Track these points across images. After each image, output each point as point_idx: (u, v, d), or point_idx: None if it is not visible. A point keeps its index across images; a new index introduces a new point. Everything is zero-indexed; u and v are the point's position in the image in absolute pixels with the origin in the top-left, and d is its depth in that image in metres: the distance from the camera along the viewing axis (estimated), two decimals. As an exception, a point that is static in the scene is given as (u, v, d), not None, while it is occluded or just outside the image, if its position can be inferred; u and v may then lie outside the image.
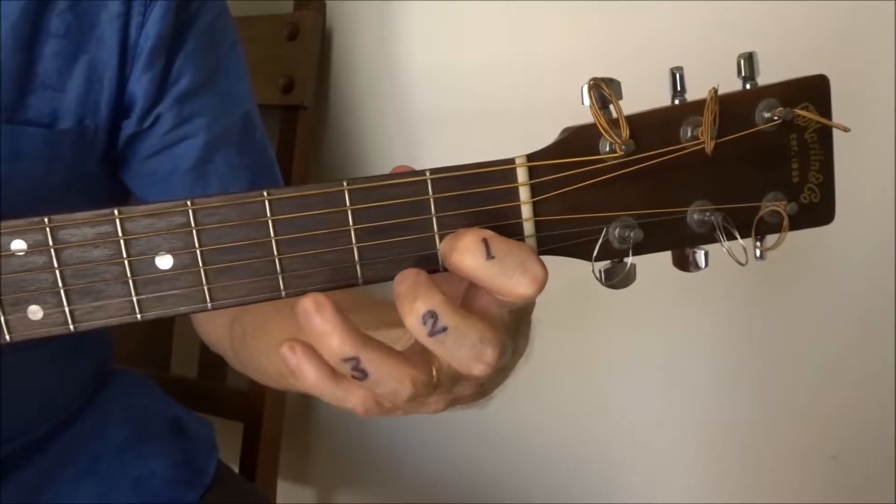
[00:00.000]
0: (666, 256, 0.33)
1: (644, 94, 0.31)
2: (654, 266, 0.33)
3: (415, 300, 0.27)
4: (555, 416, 0.76)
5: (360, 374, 0.27)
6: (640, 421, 0.72)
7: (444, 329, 0.26)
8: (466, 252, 0.27)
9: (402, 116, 0.74)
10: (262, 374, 0.47)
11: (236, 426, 0.73)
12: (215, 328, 0.52)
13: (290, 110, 0.72)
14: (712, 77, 0.30)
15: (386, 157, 0.75)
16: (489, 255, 0.27)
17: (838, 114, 0.32)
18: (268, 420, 0.72)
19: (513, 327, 0.29)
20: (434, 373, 0.28)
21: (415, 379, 0.27)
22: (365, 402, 0.28)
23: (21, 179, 0.41)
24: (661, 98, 0.31)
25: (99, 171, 0.47)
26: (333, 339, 0.26)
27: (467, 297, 0.29)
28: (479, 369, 0.27)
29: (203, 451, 0.57)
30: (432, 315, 0.26)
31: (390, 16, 0.72)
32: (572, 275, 0.34)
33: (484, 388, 0.31)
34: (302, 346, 0.27)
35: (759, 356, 0.67)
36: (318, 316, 0.26)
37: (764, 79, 0.31)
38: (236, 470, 0.69)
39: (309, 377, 0.28)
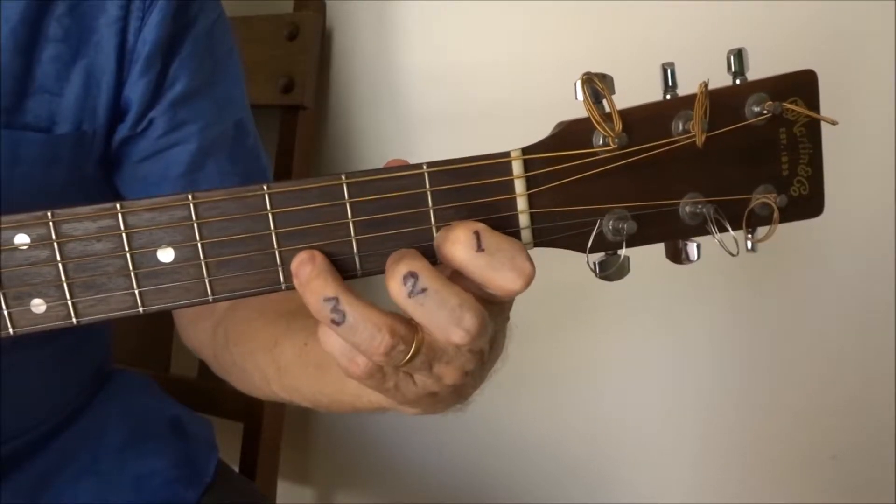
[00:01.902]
0: (662, 257, 0.33)
1: (637, 90, 0.31)
2: (654, 266, 0.33)
3: (398, 263, 0.27)
4: (555, 415, 0.76)
5: (339, 315, 0.27)
6: (639, 421, 0.72)
7: (424, 290, 0.27)
8: (457, 243, 0.28)
9: (402, 116, 0.74)
10: (244, 381, 0.47)
11: (236, 426, 0.73)
12: (198, 333, 0.52)
13: (290, 110, 0.72)
14: (703, 73, 0.31)
15: (385, 157, 0.75)
16: (479, 248, 0.28)
17: (837, 111, 0.32)
18: (268, 420, 0.72)
19: (494, 316, 0.29)
20: (415, 343, 0.28)
21: (393, 328, 0.28)
22: (367, 362, 0.28)
23: (19, 183, 0.42)
24: (653, 94, 0.31)
25: (97, 175, 0.47)
26: (318, 280, 0.28)
27: (454, 275, 0.29)
28: (458, 336, 0.27)
29: (203, 450, 0.57)
30: (413, 275, 0.27)
31: (390, 16, 0.72)
32: (571, 273, 0.34)
33: (463, 389, 0.31)
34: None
35: (759, 356, 0.67)
36: (309, 264, 0.28)
37: (760, 76, 0.31)
38: (236, 470, 0.69)
39: (328, 333, 0.29)
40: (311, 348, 0.39)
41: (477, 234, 0.28)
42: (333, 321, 0.28)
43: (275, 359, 0.42)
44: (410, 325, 0.28)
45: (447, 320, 0.27)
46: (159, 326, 0.77)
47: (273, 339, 0.42)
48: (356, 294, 0.28)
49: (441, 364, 0.29)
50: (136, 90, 0.45)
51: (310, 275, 0.28)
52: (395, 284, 0.27)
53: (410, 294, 0.27)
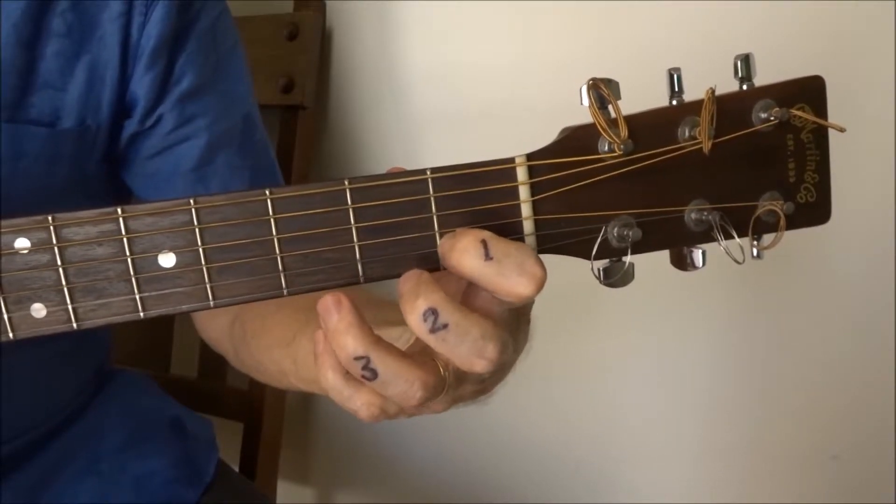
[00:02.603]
0: (665, 257, 0.33)
1: (642, 95, 0.31)
2: (655, 266, 0.33)
3: (416, 298, 0.27)
4: (555, 415, 0.76)
5: (370, 373, 0.27)
6: (640, 421, 0.72)
7: (445, 326, 0.27)
8: (465, 253, 0.28)
9: (402, 116, 0.74)
10: (262, 374, 0.47)
11: (236, 426, 0.73)
12: (216, 327, 0.52)
13: (290, 110, 0.72)
14: (710, 78, 0.30)
15: (386, 157, 0.75)
16: (488, 257, 0.27)
17: (838, 114, 0.32)
18: (268, 420, 0.72)
19: (513, 324, 0.29)
20: (442, 373, 0.28)
21: (425, 382, 0.27)
22: (370, 405, 0.29)
23: (22, 179, 0.42)
24: (659, 99, 0.31)
25: (100, 172, 0.47)
26: (347, 337, 0.27)
27: (468, 293, 0.29)
28: (480, 366, 0.27)
29: (203, 450, 0.57)
30: (433, 312, 0.27)
31: (390, 16, 0.72)
32: (573, 274, 0.34)
33: (486, 384, 0.31)
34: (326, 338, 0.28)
35: (759, 356, 0.67)
36: (336, 313, 0.27)
37: (764, 79, 0.31)
38: (236, 470, 0.69)
39: (325, 370, 0.29)
40: None
41: (484, 242, 0.27)
42: (364, 377, 0.27)
43: (291, 353, 0.41)
44: (435, 367, 0.28)
45: (469, 352, 0.27)
46: (159, 327, 0.77)
47: (291, 334, 0.42)
48: (386, 346, 0.28)
49: (463, 384, 0.30)
50: (141, 85, 0.45)
51: (336, 326, 0.27)
52: (416, 320, 0.27)
53: (432, 330, 0.27)
